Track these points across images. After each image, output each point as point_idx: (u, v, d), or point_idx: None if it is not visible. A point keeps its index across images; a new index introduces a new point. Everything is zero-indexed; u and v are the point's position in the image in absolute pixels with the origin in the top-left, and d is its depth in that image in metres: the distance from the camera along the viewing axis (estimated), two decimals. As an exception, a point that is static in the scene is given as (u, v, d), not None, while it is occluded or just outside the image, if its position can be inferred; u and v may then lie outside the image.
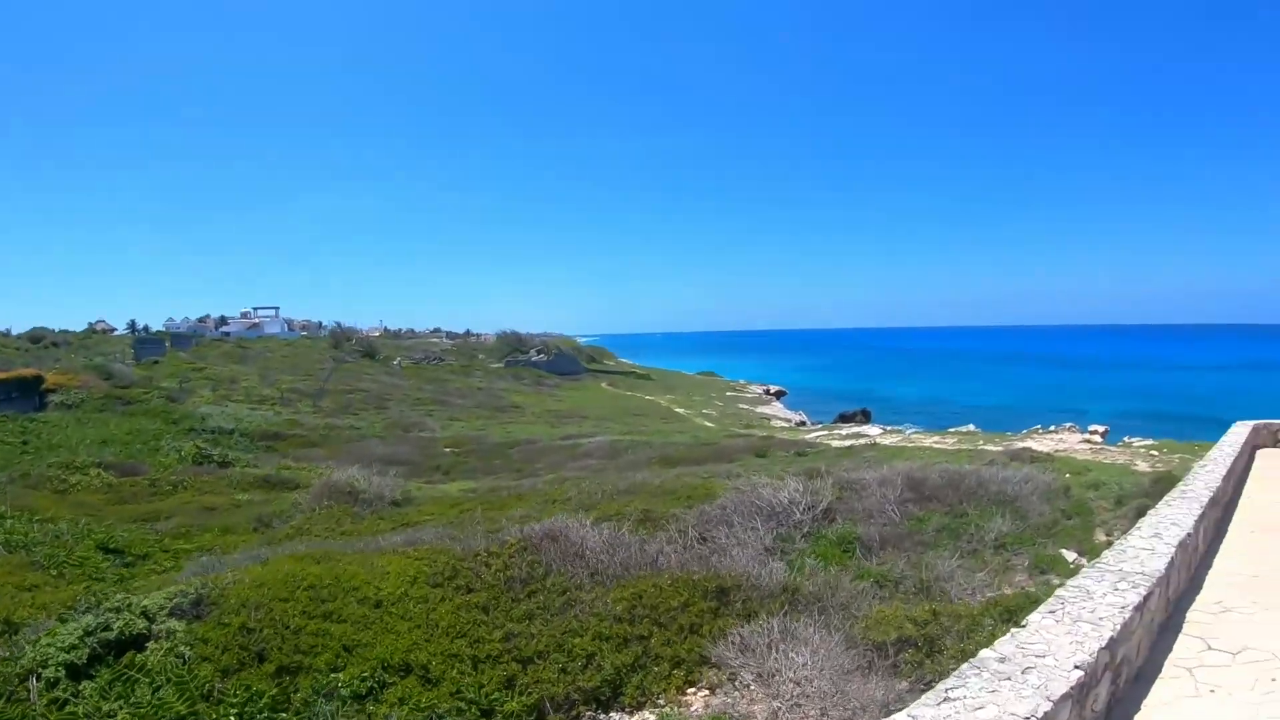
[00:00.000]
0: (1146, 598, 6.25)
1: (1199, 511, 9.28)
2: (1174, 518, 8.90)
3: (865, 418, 66.00)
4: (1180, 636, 7.11)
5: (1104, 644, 5.05)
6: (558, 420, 61.51)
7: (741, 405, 70.45)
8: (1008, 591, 10.58)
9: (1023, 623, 5.50)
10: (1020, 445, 23.71)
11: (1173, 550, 7.56)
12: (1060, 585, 7.06)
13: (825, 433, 40.36)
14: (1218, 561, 9.92)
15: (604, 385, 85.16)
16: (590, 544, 11.98)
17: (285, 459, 37.01)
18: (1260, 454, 18.51)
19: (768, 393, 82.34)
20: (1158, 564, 7.04)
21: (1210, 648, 6.81)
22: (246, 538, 19.33)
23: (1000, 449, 22.80)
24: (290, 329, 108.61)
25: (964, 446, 25.36)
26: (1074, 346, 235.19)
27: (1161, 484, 14.45)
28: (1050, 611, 5.66)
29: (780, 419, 62.10)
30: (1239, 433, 17.35)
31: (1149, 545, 7.66)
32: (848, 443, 32.16)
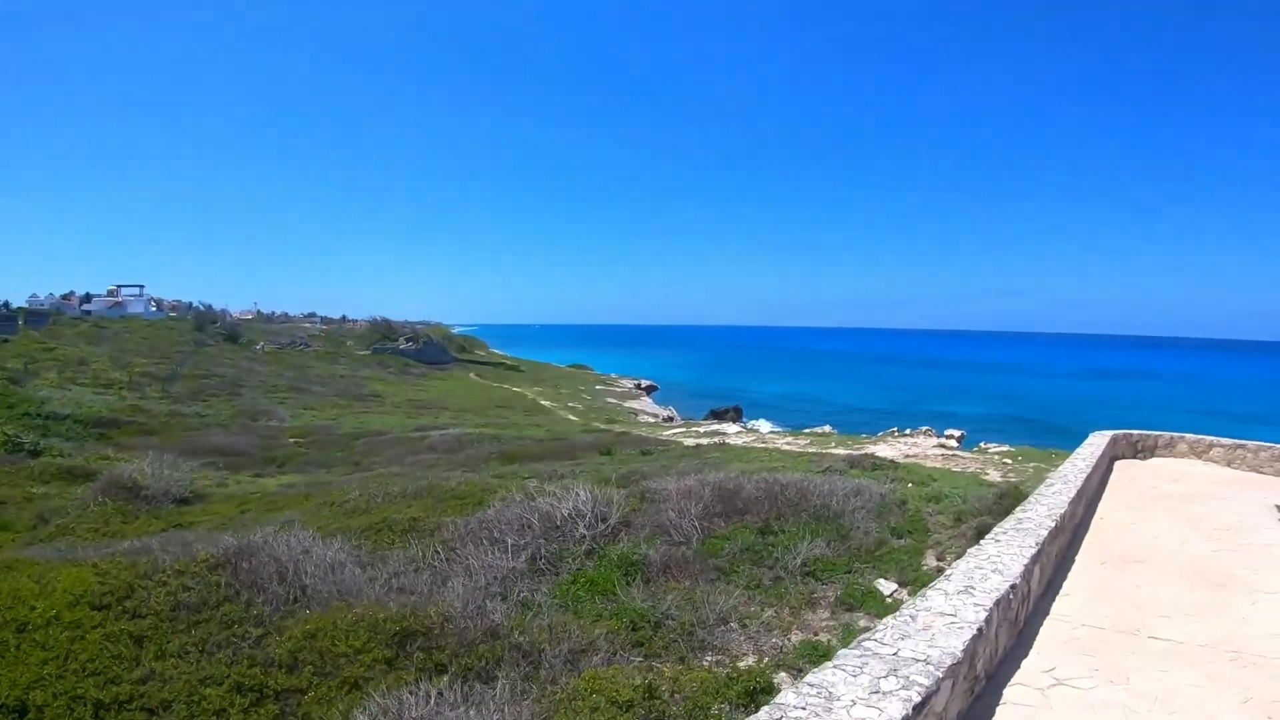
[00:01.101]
0: (924, 703, 3.78)
1: (1033, 550, 7.09)
2: (999, 561, 6.63)
3: (737, 415, 65.13)
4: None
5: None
6: (417, 411, 59.05)
7: (610, 399, 68.45)
8: (796, 639, 8.30)
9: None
10: (865, 451, 21.76)
11: (984, 614, 5.29)
12: (866, 630, 5.69)
13: (684, 429, 38.29)
14: (1058, 604, 7.94)
15: (472, 376, 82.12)
16: (314, 562, 9.89)
17: (114, 448, 34.30)
18: (1119, 466, 16.91)
19: (638, 387, 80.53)
20: (954, 643, 4.69)
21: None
22: (21, 535, 17.83)
23: (846, 453, 20.82)
24: (159, 309, 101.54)
25: (812, 449, 23.41)
26: (956, 350, 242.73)
27: (1007, 500, 12.53)
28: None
29: (648, 414, 60.26)
30: (1096, 444, 15.63)
31: (952, 608, 5.29)
32: (702, 440, 30.09)
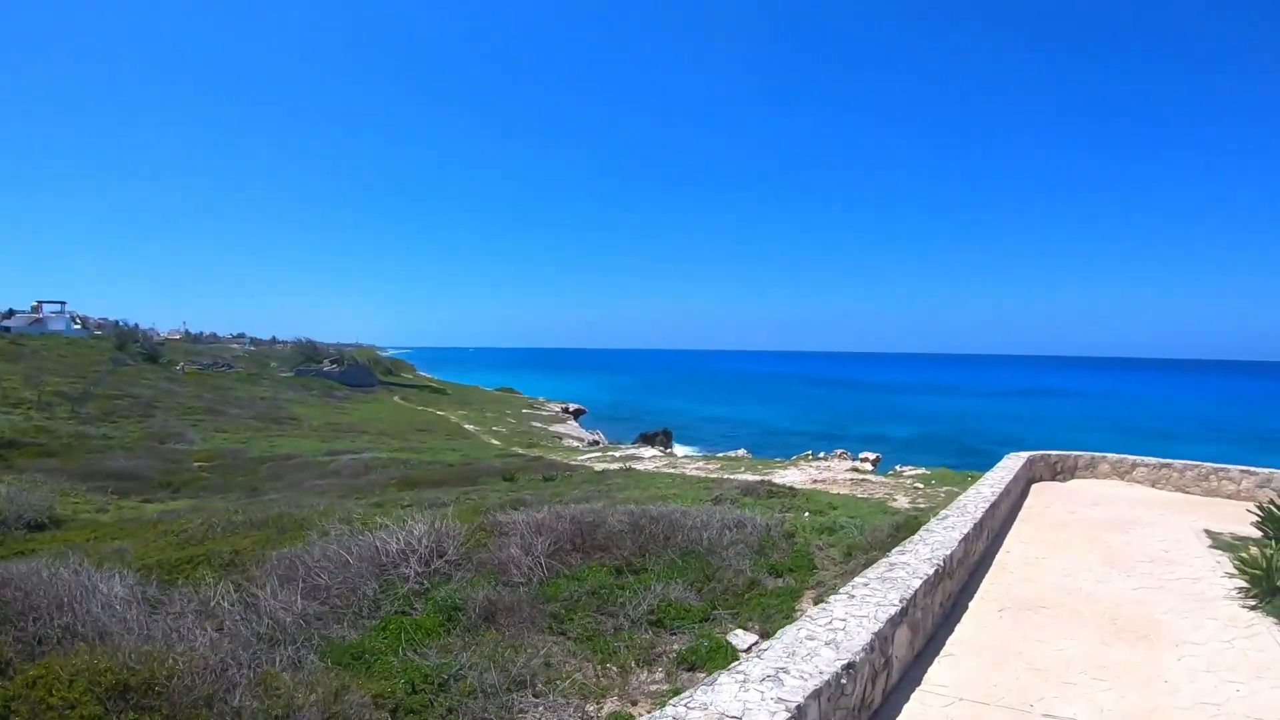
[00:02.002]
0: None
1: (894, 609, 5.42)
2: (842, 627, 4.88)
3: (667, 438, 63.48)
4: None
5: None
6: (334, 434, 56.40)
7: (535, 423, 65.99)
8: (607, 709, 6.51)
9: None
10: (772, 475, 20.14)
11: (786, 716, 3.42)
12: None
13: (599, 454, 36.46)
14: (935, 669, 6.42)
15: (396, 399, 78.97)
16: (95, 598, 8.37)
17: (9, 470, 31.24)
18: (1036, 490, 15.53)
19: (565, 411, 78.01)
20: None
21: None
22: None
23: (747, 478, 19.15)
24: (85, 327, 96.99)
25: (717, 475, 21.68)
26: (889, 373, 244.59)
27: (903, 532, 10.87)
28: None
29: (573, 438, 58.11)
30: (1009, 466, 14.20)
31: (739, 708, 3.50)
32: (612, 466, 28.37)
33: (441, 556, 10.56)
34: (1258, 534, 11.09)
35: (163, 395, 63.46)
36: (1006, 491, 11.89)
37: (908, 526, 11.15)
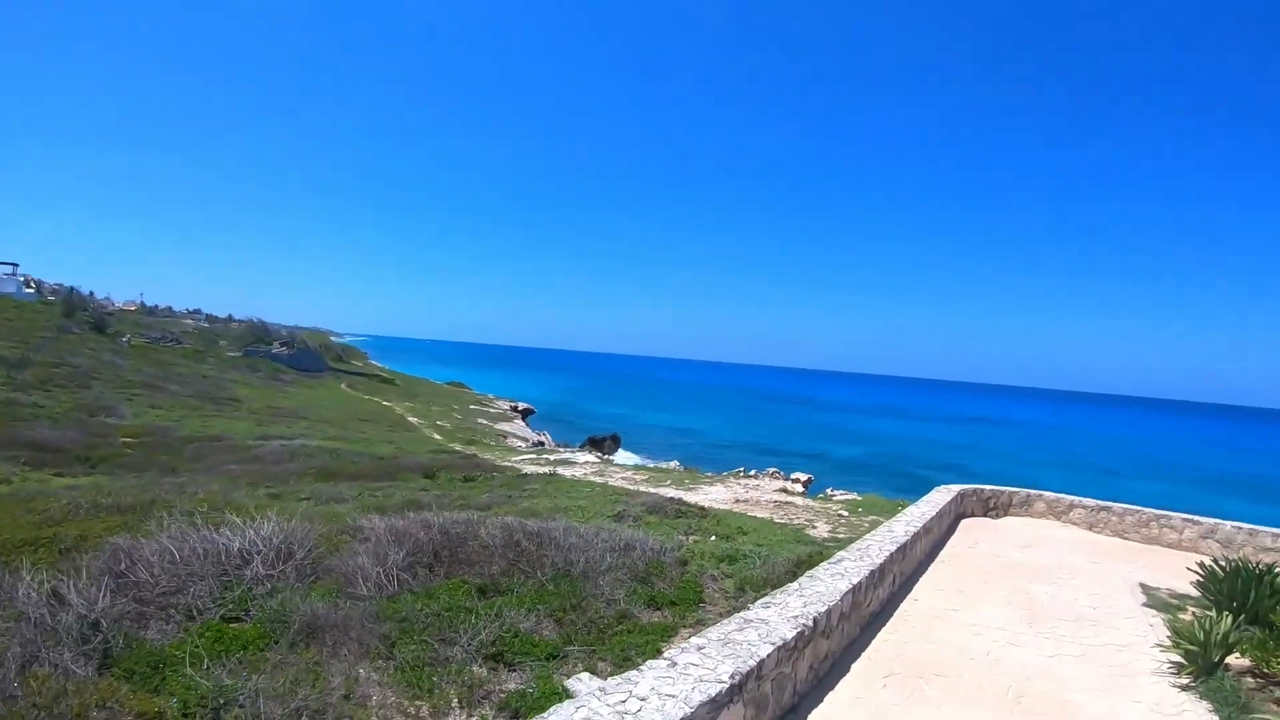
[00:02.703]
0: None
1: (719, 689, 4.10)
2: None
3: (615, 443, 62.67)
4: None
5: None
6: (272, 418, 54.63)
7: (481, 420, 64.34)
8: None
9: None
10: (682, 493, 18.80)
11: None
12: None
13: (533, 456, 35.06)
14: None
15: (343, 386, 76.91)
16: None
17: None
18: (966, 527, 14.35)
19: (514, 409, 76.35)
20: None
21: None
22: None
23: (663, 493, 17.78)
24: (39, 292, 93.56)
25: (636, 487, 20.37)
26: (845, 391, 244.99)
27: (804, 568, 9.59)
28: None
29: (518, 437, 56.66)
30: (935, 501, 12.99)
31: None
32: (541, 469, 27.01)
33: (289, 560, 9.21)
34: (1196, 593, 9.97)
35: (104, 367, 61.31)
36: (926, 530, 10.67)
37: (808, 562, 9.90)
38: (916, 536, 9.92)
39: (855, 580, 6.91)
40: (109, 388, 55.81)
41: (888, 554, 8.29)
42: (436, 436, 50.99)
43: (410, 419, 59.93)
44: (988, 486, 15.86)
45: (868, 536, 9.47)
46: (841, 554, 8.35)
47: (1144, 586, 10.97)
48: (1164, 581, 11.44)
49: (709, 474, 27.02)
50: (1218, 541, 14.51)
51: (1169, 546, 14.95)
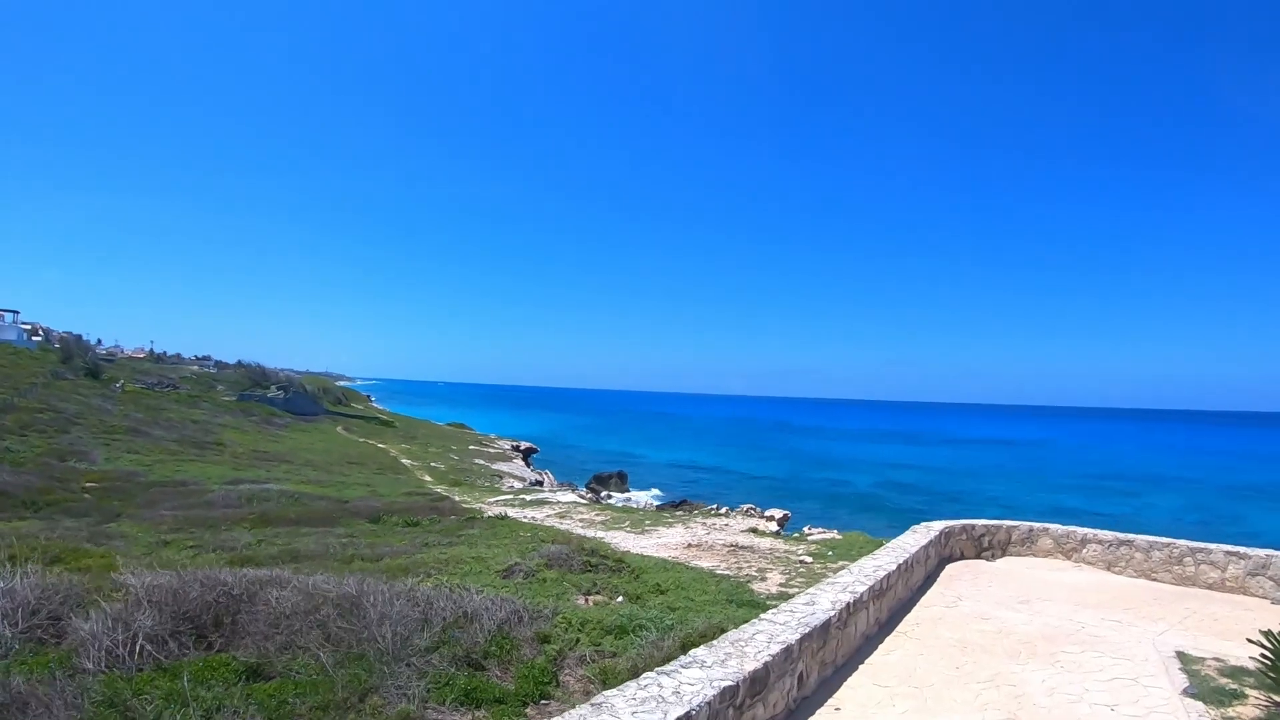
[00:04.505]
0: None
1: None
2: None
3: (621, 480, 60.70)
4: None
5: None
6: (255, 462, 52.85)
7: (479, 460, 62.36)
8: None
9: None
10: (610, 539, 16.10)
11: None
12: None
13: (511, 497, 32.70)
14: None
15: (339, 429, 75.25)
16: None
17: None
18: (951, 573, 11.65)
19: (515, 449, 74.29)
20: None
21: None
22: None
23: (612, 537, 15.15)
24: (47, 339, 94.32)
25: (582, 530, 17.76)
26: (870, 420, 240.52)
27: (705, 639, 6.94)
28: None
29: (516, 477, 54.49)
30: (904, 547, 10.36)
31: None
32: (512, 510, 24.90)
33: (37, 613, 6.92)
34: (1255, 665, 7.18)
35: (89, 411, 60.08)
36: (880, 590, 8.00)
37: (706, 636, 7.27)
38: (859, 603, 7.25)
39: (726, 684, 4.28)
40: (90, 432, 54.30)
41: (798, 636, 5.67)
42: (427, 478, 49.06)
43: (404, 460, 58.14)
44: (980, 521, 13.10)
45: (791, 601, 6.82)
46: (737, 633, 5.73)
47: (1182, 657, 8.16)
48: (1208, 645, 8.66)
49: (669, 513, 24.35)
50: (1270, 579, 11.68)
51: (1209, 588, 12.13)
